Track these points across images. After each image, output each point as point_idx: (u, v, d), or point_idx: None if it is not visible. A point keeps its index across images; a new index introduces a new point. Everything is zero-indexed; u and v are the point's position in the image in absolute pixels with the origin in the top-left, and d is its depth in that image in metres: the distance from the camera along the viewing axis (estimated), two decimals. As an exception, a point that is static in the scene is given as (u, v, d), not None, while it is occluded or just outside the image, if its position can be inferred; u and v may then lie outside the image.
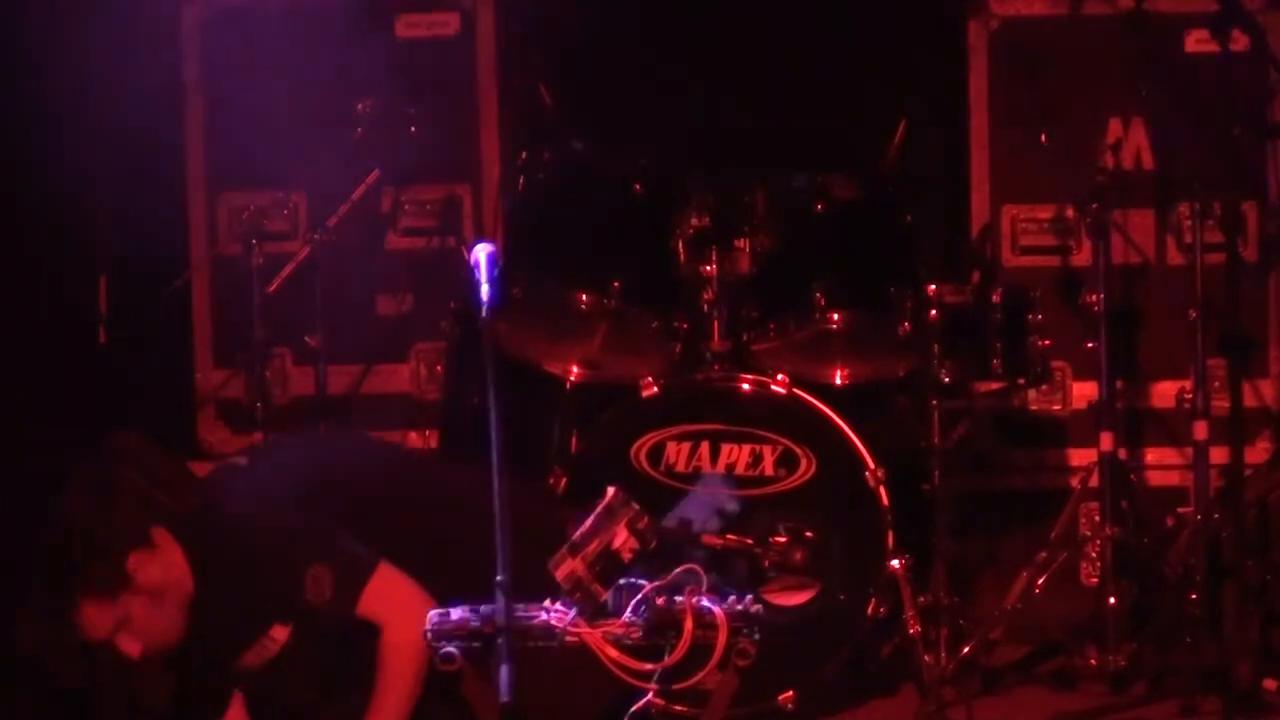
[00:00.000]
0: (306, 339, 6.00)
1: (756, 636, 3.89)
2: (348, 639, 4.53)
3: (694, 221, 5.73)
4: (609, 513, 3.93)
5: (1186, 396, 5.97)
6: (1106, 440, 5.86)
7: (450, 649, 3.90)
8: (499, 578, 3.77)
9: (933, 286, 5.74)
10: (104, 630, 4.42)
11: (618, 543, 3.92)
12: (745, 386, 5.65)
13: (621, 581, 3.93)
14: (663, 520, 4.59)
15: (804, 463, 5.61)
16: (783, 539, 5.18)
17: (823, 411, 5.61)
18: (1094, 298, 5.88)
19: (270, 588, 4.49)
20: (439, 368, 6.47)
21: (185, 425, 6.65)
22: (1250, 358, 6.26)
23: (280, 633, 4.56)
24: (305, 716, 4.67)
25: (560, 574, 3.93)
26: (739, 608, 3.91)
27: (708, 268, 5.75)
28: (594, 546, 3.93)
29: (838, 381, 5.88)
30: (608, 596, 3.93)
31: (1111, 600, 5.77)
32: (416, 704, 4.44)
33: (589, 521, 3.93)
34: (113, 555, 4.41)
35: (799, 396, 5.63)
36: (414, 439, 6.40)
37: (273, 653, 4.57)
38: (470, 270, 4.10)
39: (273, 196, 6.44)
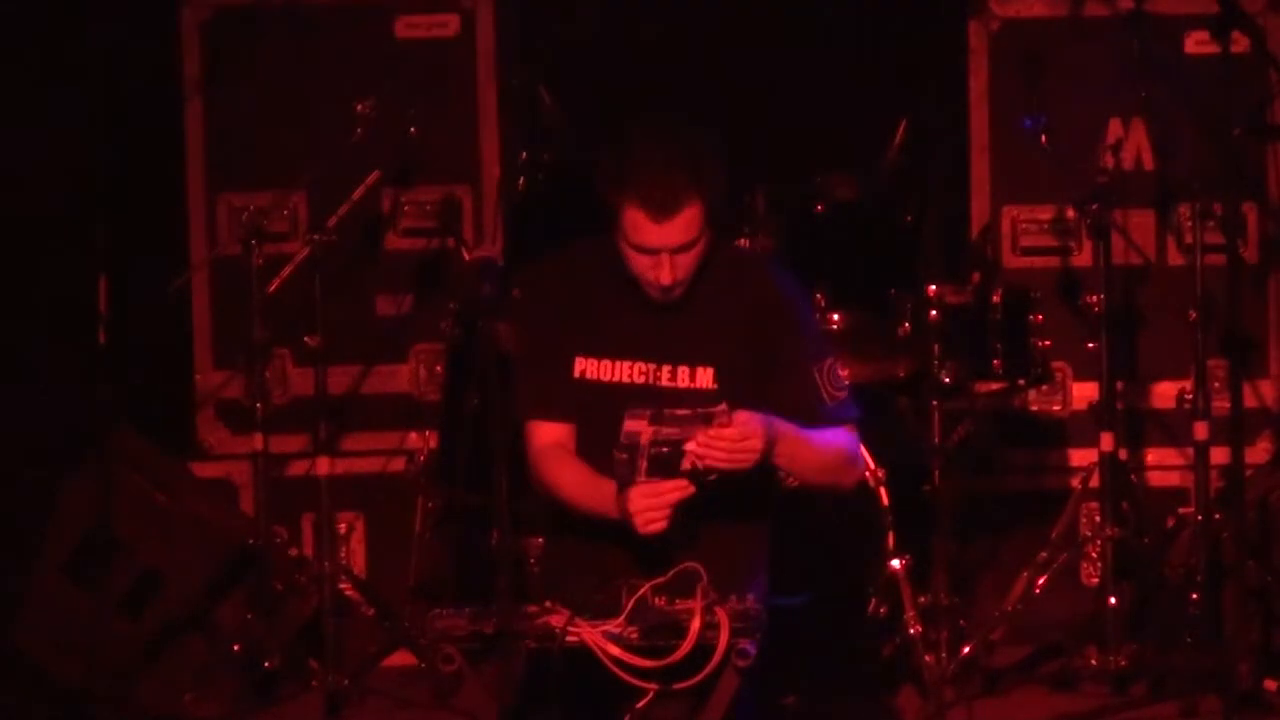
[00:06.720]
0: (306, 339, 5.99)
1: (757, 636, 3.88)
2: None
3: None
4: (706, 420, 3.83)
5: (1187, 397, 5.96)
6: (1107, 440, 5.87)
7: (450, 649, 3.92)
8: (500, 578, 3.76)
9: (933, 287, 5.74)
10: None
11: (691, 446, 3.84)
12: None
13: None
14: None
15: (804, 463, 5.60)
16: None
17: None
18: (1094, 298, 5.88)
19: None
20: (439, 368, 6.46)
21: (185, 425, 6.65)
22: (1250, 358, 6.27)
23: None
24: None
25: (628, 425, 3.84)
26: (740, 608, 3.91)
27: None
28: (672, 431, 3.84)
29: (838, 382, 5.87)
30: (642, 479, 3.83)
31: (1112, 601, 5.78)
32: None
33: (688, 412, 3.85)
34: None
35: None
36: (414, 439, 6.39)
37: None
38: (470, 271, 4.08)
39: (273, 196, 6.43)
